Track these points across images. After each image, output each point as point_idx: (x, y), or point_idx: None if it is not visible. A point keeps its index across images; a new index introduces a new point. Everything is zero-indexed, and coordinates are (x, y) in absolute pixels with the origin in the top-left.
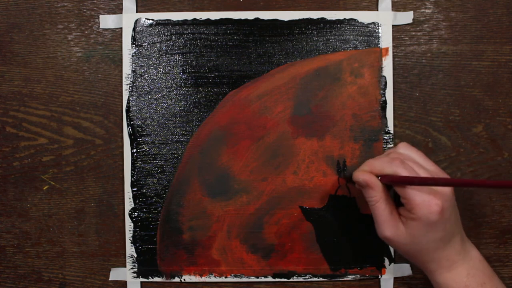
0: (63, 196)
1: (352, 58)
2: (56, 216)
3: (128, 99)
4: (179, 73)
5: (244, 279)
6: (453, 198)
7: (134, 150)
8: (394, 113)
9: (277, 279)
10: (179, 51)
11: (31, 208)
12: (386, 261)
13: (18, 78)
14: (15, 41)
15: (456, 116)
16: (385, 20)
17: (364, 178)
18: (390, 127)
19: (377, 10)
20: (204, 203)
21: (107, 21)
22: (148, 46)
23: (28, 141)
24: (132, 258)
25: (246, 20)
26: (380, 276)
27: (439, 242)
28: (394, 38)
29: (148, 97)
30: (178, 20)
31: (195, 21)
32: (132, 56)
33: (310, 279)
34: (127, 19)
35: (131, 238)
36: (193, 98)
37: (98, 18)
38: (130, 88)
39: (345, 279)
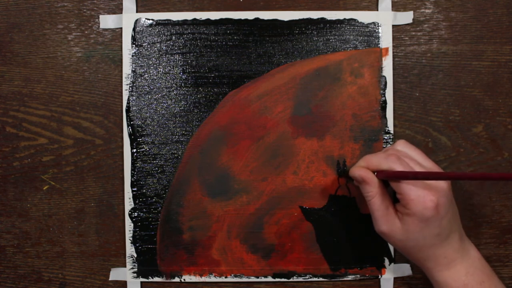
0: (63, 196)
1: (352, 58)
2: (56, 216)
3: (128, 99)
4: (179, 73)
5: (244, 279)
6: (450, 195)
7: (134, 150)
8: (394, 113)
9: (277, 279)
10: (179, 51)
11: (31, 208)
12: (386, 261)
13: (18, 78)
14: (15, 41)
15: (456, 116)
16: (385, 20)
17: (360, 173)
18: (390, 127)
19: (377, 10)
20: (204, 203)
21: (107, 21)
22: (148, 46)
23: (28, 141)
24: (132, 258)
25: (246, 20)
26: (380, 276)
27: (435, 238)
28: (394, 38)
29: (148, 97)
30: (178, 20)
31: (195, 21)
32: (132, 56)
33: (310, 279)
34: (127, 19)
35: (131, 238)
36: (193, 98)
37: (98, 18)
38: (130, 88)
39: (345, 279)
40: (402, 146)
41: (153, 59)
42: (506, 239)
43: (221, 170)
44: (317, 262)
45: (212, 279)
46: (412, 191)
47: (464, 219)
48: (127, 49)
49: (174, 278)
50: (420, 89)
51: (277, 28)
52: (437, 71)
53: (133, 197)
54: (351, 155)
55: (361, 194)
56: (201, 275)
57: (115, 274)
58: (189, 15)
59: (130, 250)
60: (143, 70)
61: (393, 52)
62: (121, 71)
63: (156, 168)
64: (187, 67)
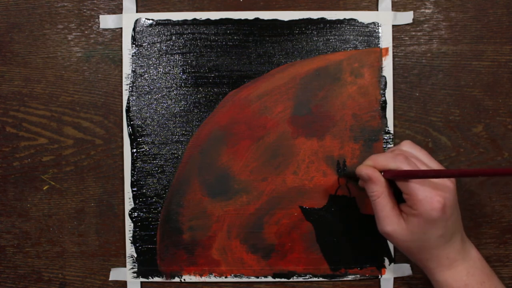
0: (63, 196)
1: (352, 58)
2: (56, 216)
3: (128, 99)
4: (179, 73)
5: (244, 279)
6: (456, 196)
7: (134, 150)
8: (394, 113)
9: (277, 279)
10: (179, 51)
11: (31, 208)
12: (386, 261)
13: (18, 78)
14: (15, 41)
15: (456, 116)
16: (385, 20)
17: (367, 172)
18: (390, 127)
19: (377, 10)
20: (204, 203)
21: (107, 21)
22: (148, 46)
23: (28, 141)
24: (132, 258)
25: (246, 20)
26: (380, 276)
27: (439, 239)
28: (394, 38)
29: (148, 97)
30: (178, 20)
31: (195, 21)
32: (132, 56)
33: (310, 279)
34: (127, 19)
35: (131, 238)
36: (193, 98)
37: (98, 18)
38: (130, 88)
39: (345, 279)
40: (408, 146)
41: (153, 59)
42: (506, 239)
43: (221, 170)
44: (317, 262)
45: (212, 279)
46: (420, 191)
47: (464, 219)
48: (127, 49)
49: (174, 278)
50: (420, 89)
51: (277, 28)
52: (437, 71)
53: (133, 197)
54: (351, 155)
55: (361, 194)
56: (201, 275)
57: (115, 274)
58: (189, 15)
59: (130, 250)
60: (143, 70)
61: (393, 52)
62: (121, 71)
63: (156, 168)
64: (187, 67)
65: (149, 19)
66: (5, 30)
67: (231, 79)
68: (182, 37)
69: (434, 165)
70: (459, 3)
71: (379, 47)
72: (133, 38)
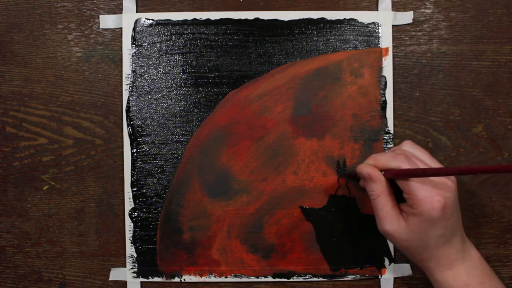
0: (63, 196)
1: (352, 58)
2: (56, 216)
3: (128, 99)
4: (179, 73)
5: (244, 279)
6: (456, 196)
7: (134, 150)
8: (394, 113)
9: (277, 279)
10: (179, 51)
11: (31, 208)
12: (386, 261)
13: (18, 78)
14: (15, 41)
15: (456, 116)
16: (385, 20)
17: (367, 170)
18: (390, 127)
19: (377, 10)
20: (204, 203)
21: (107, 21)
22: (148, 46)
23: (28, 141)
24: (132, 258)
25: (246, 20)
26: (380, 276)
27: (439, 239)
28: (394, 38)
29: (148, 97)
30: (178, 20)
31: (195, 21)
32: (132, 56)
33: (310, 279)
34: (127, 19)
35: (131, 238)
36: (193, 98)
37: (98, 18)
38: (130, 88)
39: (345, 279)
40: (408, 146)
41: (153, 59)
42: (506, 239)
43: (221, 170)
44: (317, 262)
45: (212, 279)
46: (420, 191)
47: (464, 219)
48: (127, 49)
49: (174, 278)
50: (420, 89)
51: (277, 28)
52: (437, 71)
53: (133, 197)
54: (351, 155)
55: (361, 194)
56: (201, 275)
57: (115, 274)
58: (189, 15)
59: (130, 250)
60: (143, 70)
61: (393, 52)
62: (121, 71)
63: (156, 168)
64: (187, 67)
65: (149, 19)
66: (5, 30)
67: (231, 79)
68: (182, 37)
69: (434, 165)
70: (459, 3)
71: (379, 47)
72: (133, 38)
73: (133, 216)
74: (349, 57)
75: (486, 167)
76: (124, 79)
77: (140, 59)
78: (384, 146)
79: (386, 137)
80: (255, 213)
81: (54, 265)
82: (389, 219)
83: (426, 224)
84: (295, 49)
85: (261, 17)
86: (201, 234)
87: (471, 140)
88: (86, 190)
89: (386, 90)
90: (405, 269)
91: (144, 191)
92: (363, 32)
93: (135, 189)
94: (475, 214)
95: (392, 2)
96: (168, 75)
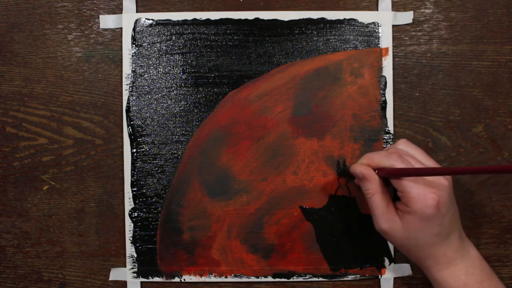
0: (63, 196)
1: (352, 58)
2: (56, 216)
3: (128, 99)
4: (179, 73)
5: (244, 279)
6: (451, 194)
7: (134, 150)
8: (394, 113)
9: (277, 279)
10: (179, 51)
11: (31, 208)
12: (386, 261)
13: (18, 78)
14: (15, 41)
15: (456, 116)
16: (385, 20)
17: (361, 170)
18: (390, 127)
19: (377, 10)
20: (204, 203)
21: (107, 21)
22: (148, 46)
23: (28, 141)
24: (132, 258)
25: (246, 20)
26: (380, 276)
27: (435, 237)
28: (394, 38)
29: (148, 97)
30: (178, 20)
31: (195, 21)
32: (132, 56)
33: (310, 279)
34: (127, 19)
35: (131, 238)
36: (193, 98)
37: (98, 18)
38: (130, 88)
39: (345, 279)
40: (403, 145)
41: (153, 59)
42: (506, 239)
43: (221, 170)
44: (317, 262)
45: (212, 279)
46: (413, 189)
47: (464, 219)
48: (127, 49)
49: (174, 278)
50: (420, 89)
51: (277, 28)
52: (437, 71)
53: (133, 197)
54: (351, 155)
55: (361, 194)
56: (201, 275)
57: (115, 274)
58: (189, 15)
59: (130, 250)
60: (143, 70)
61: (393, 52)
62: (121, 71)
63: (156, 168)
64: (187, 67)
65: (149, 19)
66: (5, 30)
67: (231, 79)
68: (182, 37)
69: (429, 163)
70: (459, 3)
71: (379, 47)
72: (133, 38)
73: (133, 216)
74: (349, 57)
75: (480, 167)
76: (124, 79)
77: (140, 59)
78: (384, 146)
79: (386, 137)
80: (255, 213)
81: (54, 265)
82: (384, 217)
83: (421, 222)
84: (295, 49)
85: (261, 17)
86: (201, 234)
87: (471, 140)
88: (86, 190)
89: (386, 90)
90: (405, 269)
91: (144, 191)
92: (363, 32)
93: (135, 189)
94: (475, 214)
95: (392, 2)
96: (168, 75)
